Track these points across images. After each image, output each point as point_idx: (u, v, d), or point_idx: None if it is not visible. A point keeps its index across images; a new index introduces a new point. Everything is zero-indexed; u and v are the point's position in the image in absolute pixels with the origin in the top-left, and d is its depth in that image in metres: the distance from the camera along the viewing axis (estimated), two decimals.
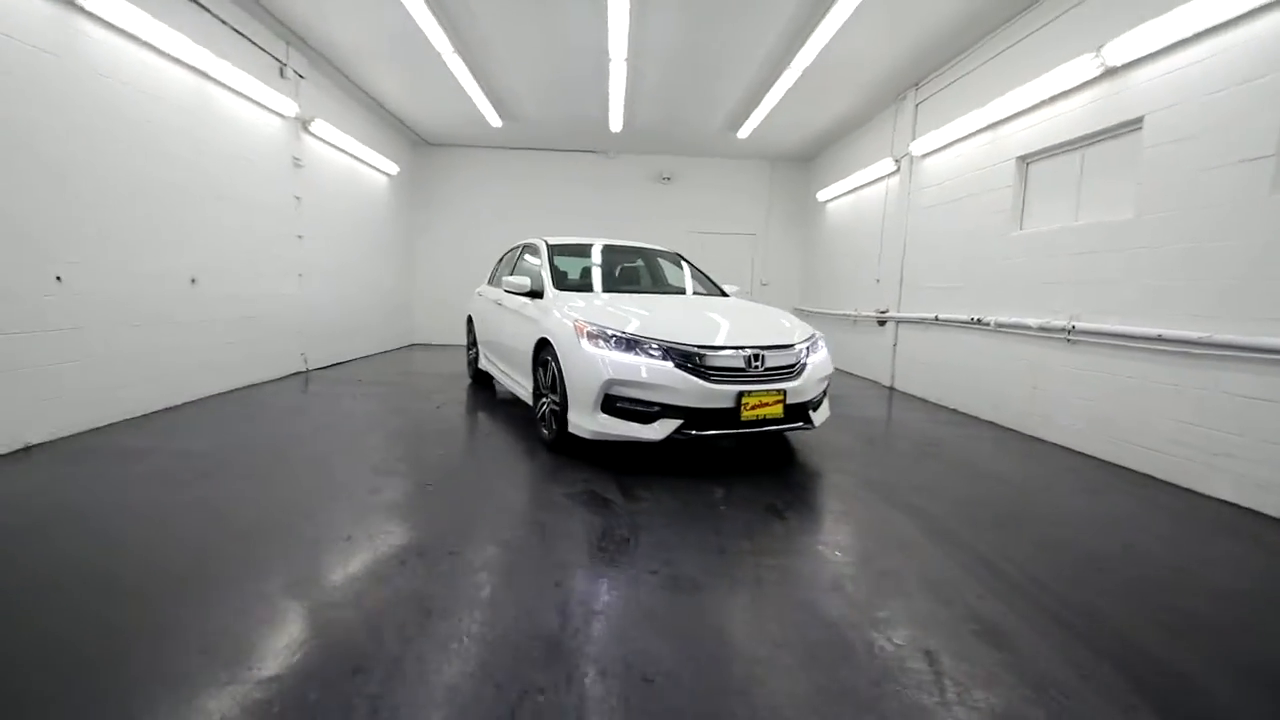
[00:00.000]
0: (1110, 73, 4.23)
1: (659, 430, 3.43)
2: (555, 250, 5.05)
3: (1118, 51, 4.08)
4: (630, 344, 3.52)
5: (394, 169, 9.04)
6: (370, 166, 8.47)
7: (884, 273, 7.76)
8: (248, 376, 5.80)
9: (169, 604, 1.99)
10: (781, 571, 2.40)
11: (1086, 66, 4.33)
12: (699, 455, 3.92)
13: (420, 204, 10.50)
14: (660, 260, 5.55)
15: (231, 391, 5.46)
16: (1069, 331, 4.55)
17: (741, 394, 3.45)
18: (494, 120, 8.51)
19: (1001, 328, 5.32)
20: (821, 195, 9.75)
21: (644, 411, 3.45)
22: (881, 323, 7.64)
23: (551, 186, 10.63)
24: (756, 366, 3.58)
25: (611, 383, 3.44)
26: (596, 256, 5.32)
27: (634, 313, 3.84)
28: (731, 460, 3.89)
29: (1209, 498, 3.46)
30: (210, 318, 5.23)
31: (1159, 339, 3.80)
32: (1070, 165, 4.78)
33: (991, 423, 5.39)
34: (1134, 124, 4.10)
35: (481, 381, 6.60)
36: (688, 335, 3.57)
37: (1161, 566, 2.60)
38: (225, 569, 2.25)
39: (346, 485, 3.21)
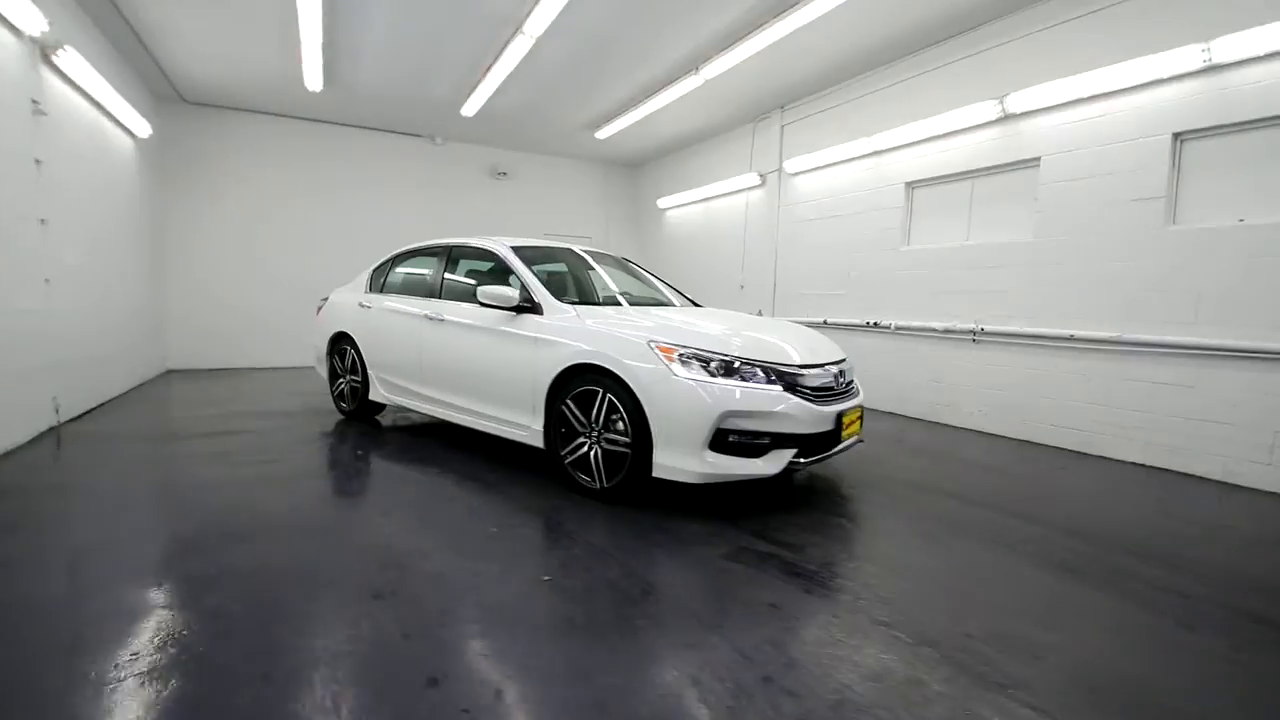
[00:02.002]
0: (1010, 118, 5.09)
1: (773, 463, 3.03)
2: (526, 256, 4.14)
3: (1019, 101, 4.93)
4: (729, 368, 3.05)
5: (145, 130, 6.49)
6: (118, 124, 5.93)
7: (749, 279, 8.23)
8: None
9: None
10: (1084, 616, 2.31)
11: (988, 110, 5.14)
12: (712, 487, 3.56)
13: (174, 182, 7.74)
14: (619, 266, 4.94)
15: None
16: (976, 333, 5.38)
17: (840, 414, 3.26)
18: (313, 83, 6.69)
19: (901, 330, 6.05)
20: (663, 202, 9.94)
21: (754, 445, 3.02)
22: None
23: (366, 171, 8.84)
24: (841, 383, 3.43)
25: (727, 415, 2.93)
26: (560, 263, 4.52)
27: (702, 331, 3.33)
28: (750, 489, 3.64)
29: (1124, 462, 4.41)
30: None
31: (1071, 338, 4.71)
32: (961, 192, 5.64)
33: (894, 414, 6.10)
34: (1030, 162, 5.01)
35: (362, 416, 5.13)
36: (781, 355, 3.23)
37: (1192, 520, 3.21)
38: None
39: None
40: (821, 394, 3.24)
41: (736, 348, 3.15)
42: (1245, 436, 3.88)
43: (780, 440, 3.06)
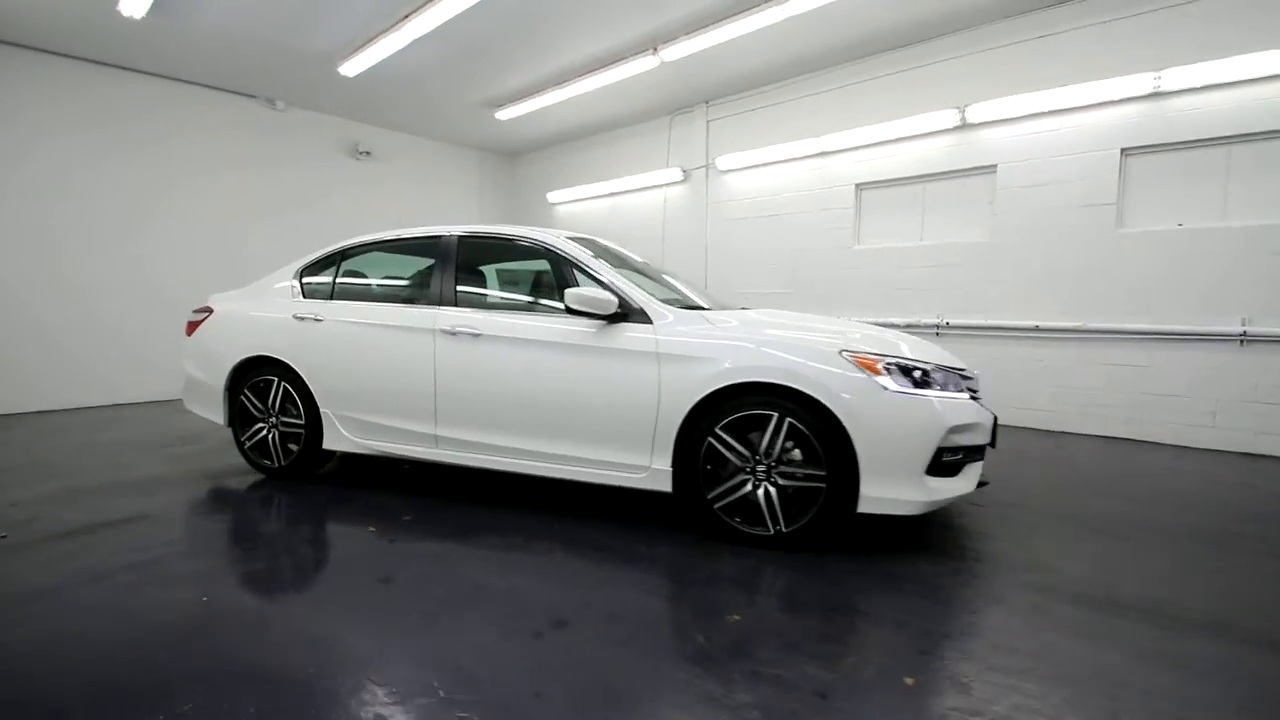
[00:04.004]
0: (968, 127, 5.47)
1: (970, 480, 2.74)
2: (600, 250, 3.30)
3: (979, 112, 5.32)
4: (930, 378, 2.68)
5: None
6: None
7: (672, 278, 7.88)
8: None
9: None
10: None
11: (948, 118, 5.47)
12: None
13: None
14: (609, 256, 4.16)
15: None
16: (940, 327, 5.73)
17: (995, 417, 3.09)
18: (135, 7, 4.67)
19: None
20: (555, 196, 9.13)
21: (957, 462, 2.69)
22: None
23: (181, 140, 6.58)
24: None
25: (949, 431, 2.55)
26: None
27: (870, 334, 2.91)
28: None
29: (1086, 435, 5.01)
30: None
31: (1036, 328, 5.22)
32: (912, 194, 5.96)
33: None
34: (988, 168, 5.45)
35: (299, 472, 3.66)
36: (948, 359, 2.96)
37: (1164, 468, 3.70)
38: None
39: None
40: (975, 399, 3.04)
41: (923, 353, 2.79)
42: (1191, 406, 4.64)
43: (969, 453, 2.79)
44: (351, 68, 5.96)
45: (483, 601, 2.18)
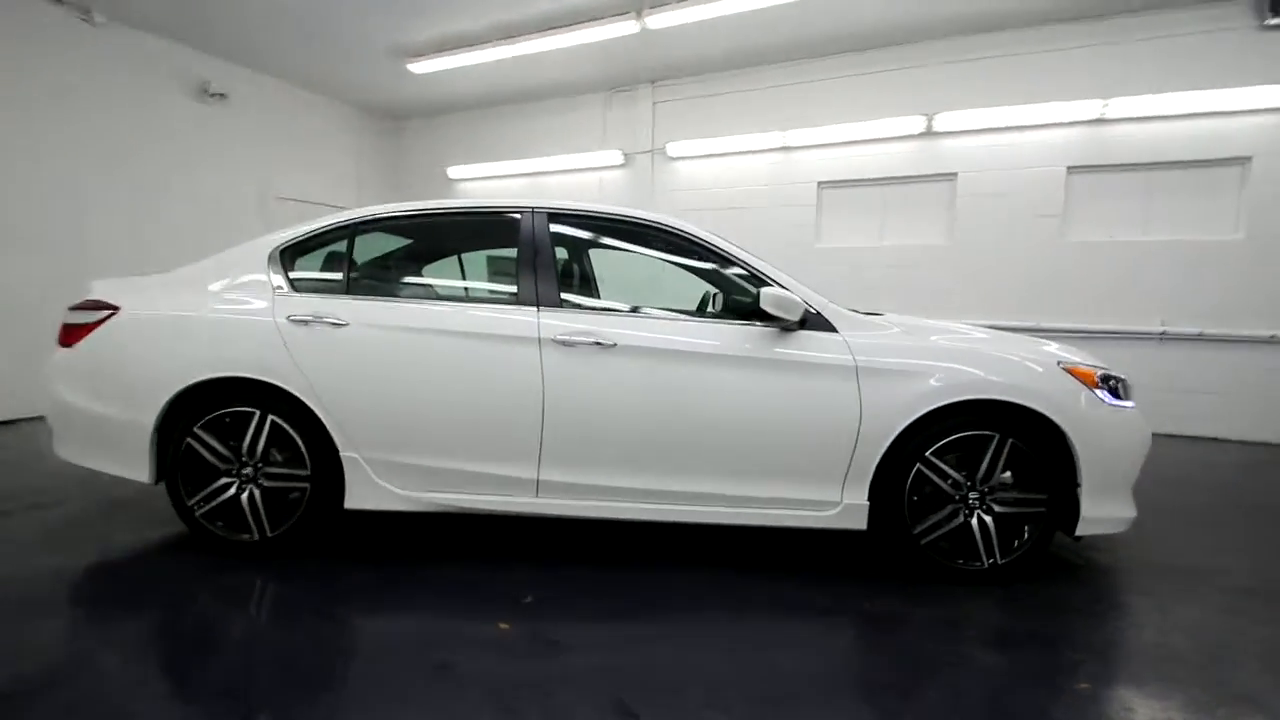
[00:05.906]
0: (933, 134, 5.72)
1: None
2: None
3: (945, 121, 5.60)
4: (1125, 386, 2.58)
5: None
6: None
7: (606, 272, 7.29)
8: None
9: None
10: None
11: (915, 124, 5.68)
12: None
13: None
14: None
15: None
16: None
17: None
18: None
19: None
20: (458, 172, 7.94)
21: None
22: None
23: None
24: None
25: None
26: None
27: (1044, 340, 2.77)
28: None
29: None
30: None
31: (992, 329, 5.65)
32: (873, 195, 6.11)
33: None
34: (948, 175, 5.76)
35: (288, 546, 2.54)
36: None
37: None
38: None
39: None
40: None
41: (1086, 358, 2.70)
42: None
43: None
44: None
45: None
